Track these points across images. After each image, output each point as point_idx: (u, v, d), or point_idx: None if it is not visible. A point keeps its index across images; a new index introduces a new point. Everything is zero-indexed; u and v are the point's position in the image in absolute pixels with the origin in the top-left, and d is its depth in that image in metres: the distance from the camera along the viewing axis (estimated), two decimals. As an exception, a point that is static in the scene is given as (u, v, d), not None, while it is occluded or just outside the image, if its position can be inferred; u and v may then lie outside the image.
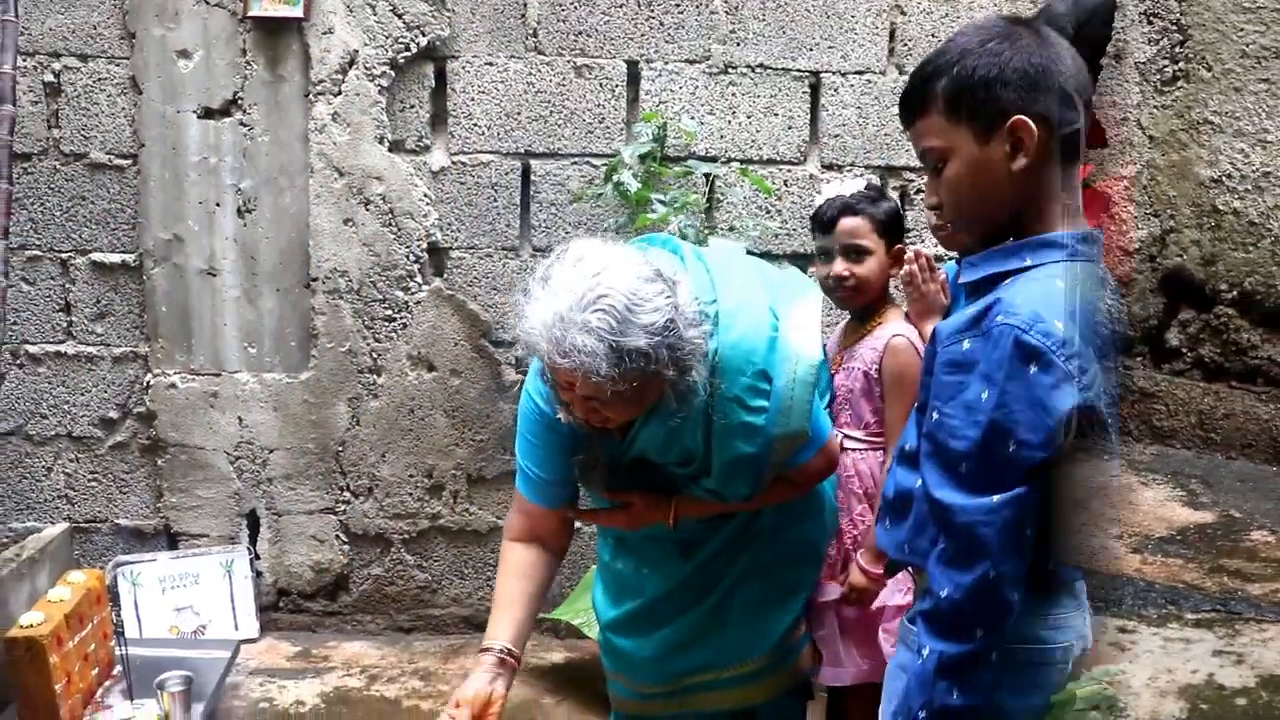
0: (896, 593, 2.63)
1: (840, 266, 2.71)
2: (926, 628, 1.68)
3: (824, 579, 2.74)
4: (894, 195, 3.93)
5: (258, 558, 4.06)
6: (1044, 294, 1.62)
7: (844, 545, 2.73)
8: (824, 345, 2.73)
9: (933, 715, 1.66)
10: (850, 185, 2.77)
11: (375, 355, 3.91)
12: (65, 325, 3.92)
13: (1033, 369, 1.57)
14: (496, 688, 2.30)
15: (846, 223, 2.71)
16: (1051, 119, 1.66)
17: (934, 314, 2.54)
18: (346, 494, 4.02)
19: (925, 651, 1.67)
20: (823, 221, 2.74)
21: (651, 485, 2.50)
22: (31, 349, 3.92)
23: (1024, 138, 1.65)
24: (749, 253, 2.77)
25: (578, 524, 2.68)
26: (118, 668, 3.42)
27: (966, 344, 1.66)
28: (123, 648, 3.37)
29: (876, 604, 2.65)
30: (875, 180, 3.80)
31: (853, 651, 2.74)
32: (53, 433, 3.98)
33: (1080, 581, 1.85)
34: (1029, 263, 1.69)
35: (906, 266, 2.65)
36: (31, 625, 2.99)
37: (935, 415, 1.68)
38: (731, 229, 3.75)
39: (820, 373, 2.37)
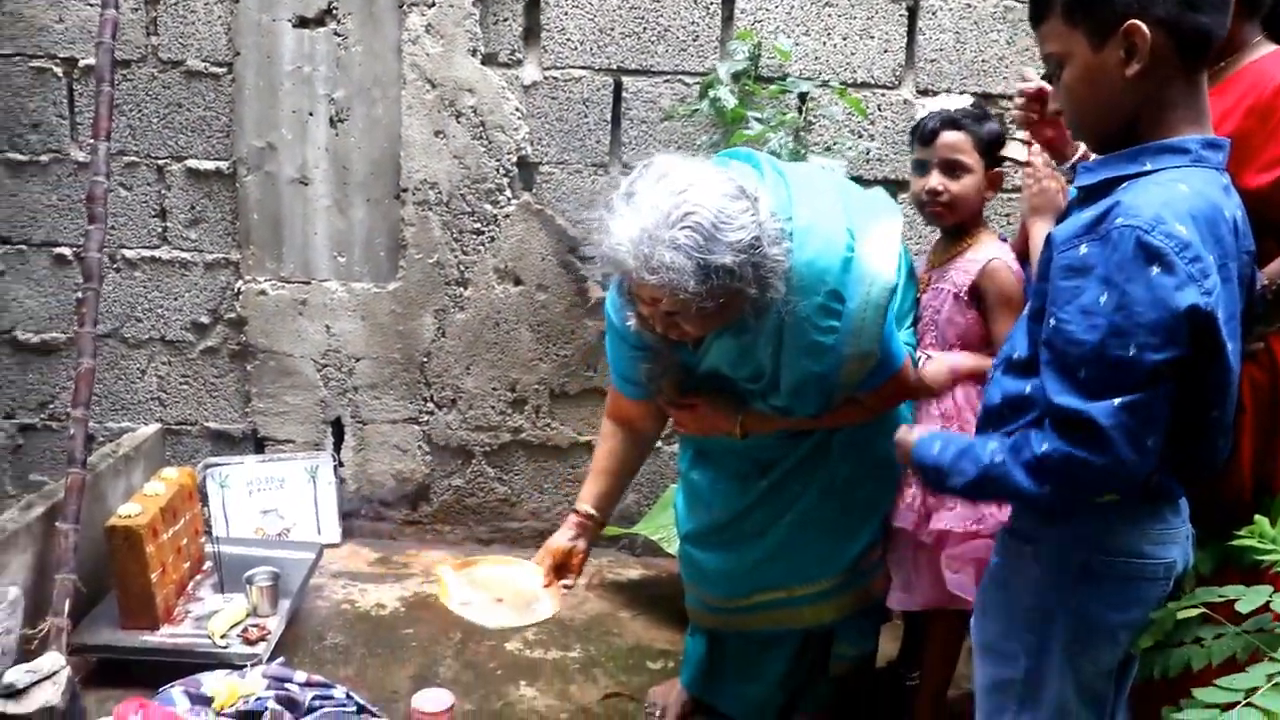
0: (964, 519, 2.60)
1: (935, 180, 2.66)
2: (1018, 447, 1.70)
3: (899, 501, 2.72)
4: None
5: (341, 465, 4.13)
6: (1166, 197, 1.59)
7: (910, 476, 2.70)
8: (911, 268, 2.71)
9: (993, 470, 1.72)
10: (955, 101, 2.72)
11: (463, 268, 3.93)
12: (160, 231, 3.98)
13: (1154, 270, 1.54)
14: (578, 544, 2.62)
15: (947, 136, 2.66)
16: (1171, 23, 1.62)
17: (1048, 212, 2.44)
18: (430, 405, 4.07)
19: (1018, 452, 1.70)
20: (923, 133, 2.69)
21: (721, 395, 2.53)
22: (128, 253, 3.99)
23: (1138, 42, 1.61)
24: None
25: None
26: (207, 564, 3.51)
27: (1084, 248, 1.64)
28: (214, 544, 3.45)
29: (941, 526, 2.62)
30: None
31: (924, 576, 2.72)
32: (147, 336, 4.06)
33: (1184, 499, 1.83)
34: (1149, 167, 1.66)
35: (1030, 156, 2.56)
36: (129, 516, 3.08)
37: (1053, 322, 1.66)
38: (827, 149, 3.70)
39: (894, 296, 2.36)
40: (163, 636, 3.14)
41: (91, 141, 3.33)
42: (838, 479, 2.62)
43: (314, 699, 2.71)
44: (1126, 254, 1.56)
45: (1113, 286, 1.57)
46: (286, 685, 2.74)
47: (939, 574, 2.67)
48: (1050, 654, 1.81)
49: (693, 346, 2.44)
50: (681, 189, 2.09)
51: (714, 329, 2.31)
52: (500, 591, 2.59)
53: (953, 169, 2.66)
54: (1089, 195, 1.74)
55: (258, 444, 4.15)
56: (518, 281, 3.95)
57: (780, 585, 2.75)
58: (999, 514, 2.52)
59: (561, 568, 2.59)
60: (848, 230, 2.28)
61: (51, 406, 4.12)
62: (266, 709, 2.62)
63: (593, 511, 2.65)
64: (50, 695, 2.69)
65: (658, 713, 3.11)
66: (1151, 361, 1.55)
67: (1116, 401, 1.57)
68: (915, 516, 2.67)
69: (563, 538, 2.61)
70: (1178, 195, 1.59)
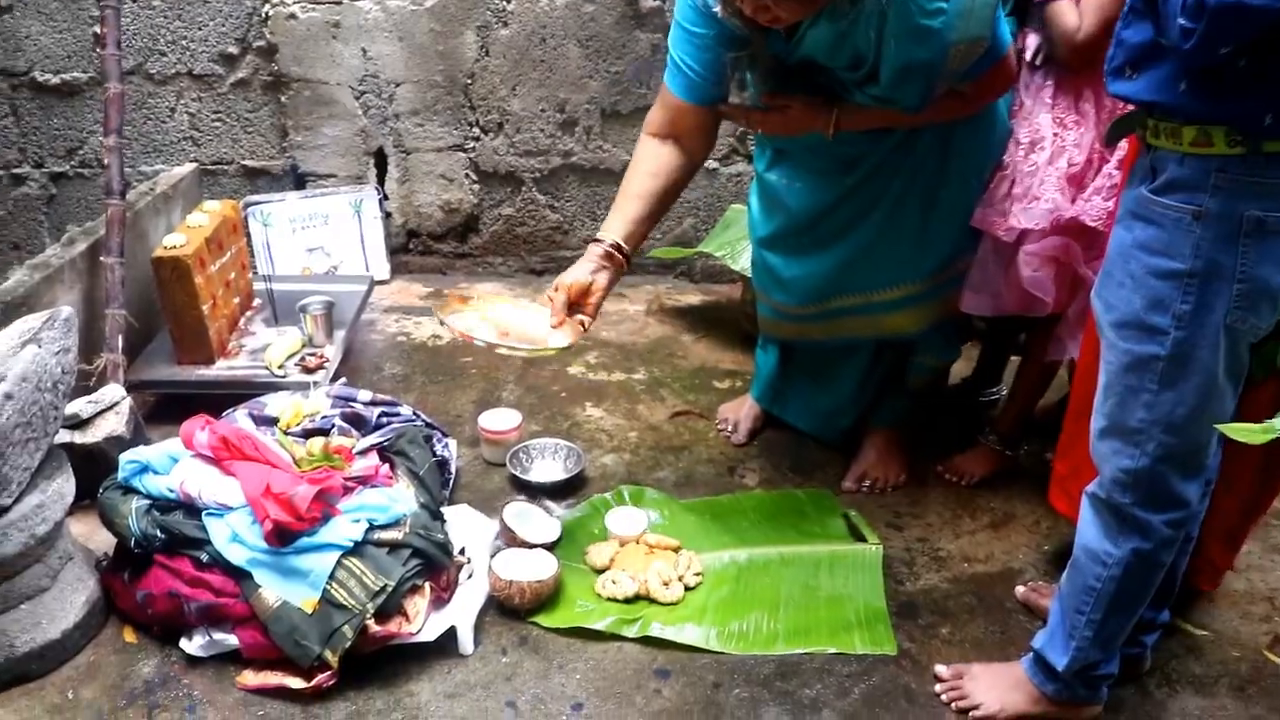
0: (1041, 217, 2.40)
1: None
2: None
3: (985, 199, 2.50)
4: None
5: (386, 198, 3.98)
6: None
7: (1002, 170, 2.47)
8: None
9: None
10: None
11: (504, -22, 3.67)
12: (176, -48, 3.71)
13: None
14: (598, 279, 2.33)
15: None
16: None
17: None
18: (476, 130, 3.89)
19: None
20: None
21: (814, 91, 2.33)
22: (143, -21, 3.73)
23: None
24: None
25: (722, 129, 2.54)
26: (256, 300, 3.41)
27: None
28: (264, 279, 3.34)
29: (1018, 225, 2.41)
30: None
31: (1006, 279, 2.53)
32: (173, 71, 3.85)
33: None
34: None
35: None
36: (175, 246, 2.96)
37: None
38: None
39: None
40: (219, 370, 3.07)
41: None
42: (924, 177, 2.45)
43: (380, 415, 2.62)
44: None
45: None
46: (352, 403, 2.66)
47: (1019, 277, 2.48)
48: (1206, 324, 1.66)
49: (785, 35, 2.22)
50: None
51: (811, 13, 2.09)
52: (507, 329, 2.34)
53: None
54: None
55: (298, 180, 3.99)
56: (564, -9, 3.69)
57: (859, 290, 2.61)
58: (1076, 208, 2.36)
59: (576, 305, 2.31)
60: None
61: (81, 153, 3.95)
62: (333, 425, 2.55)
63: (619, 242, 2.35)
64: (114, 425, 2.65)
65: (729, 428, 3.04)
66: None
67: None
68: (997, 215, 2.47)
69: (581, 271, 2.31)
70: None
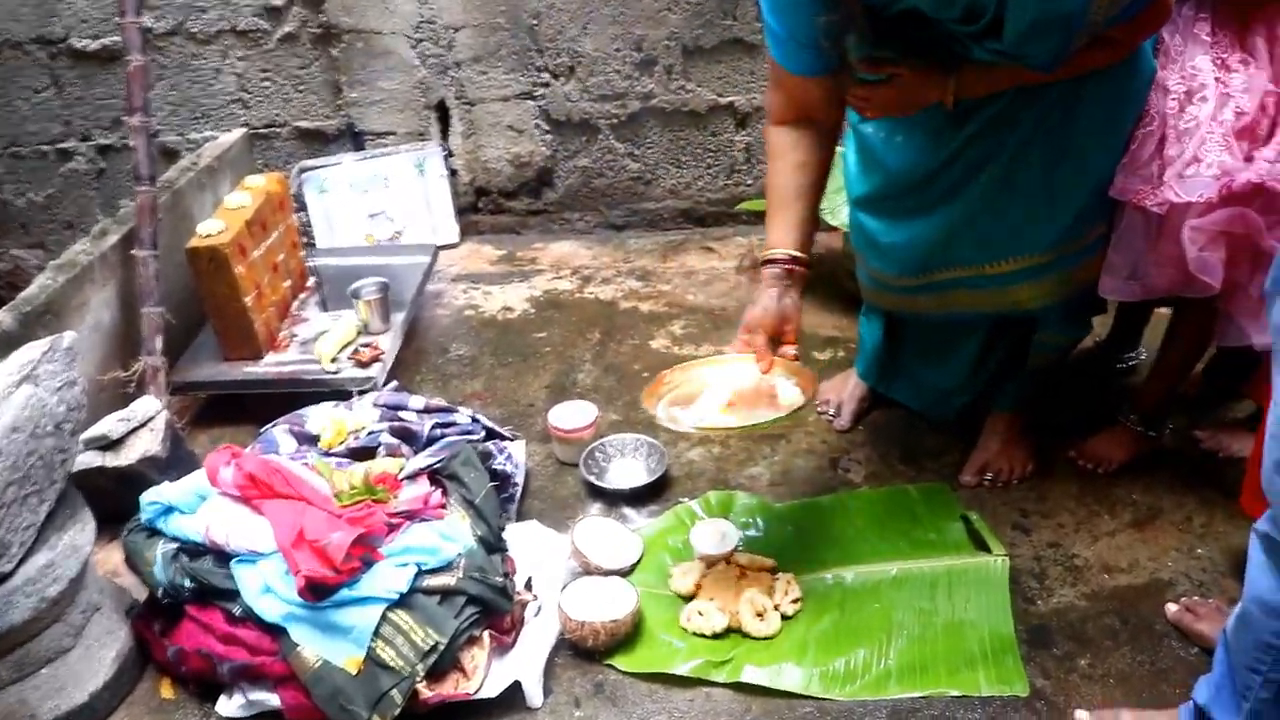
0: (1201, 186, 1.96)
1: None
2: None
3: (1127, 163, 2.06)
4: None
5: (451, 154, 3.72)
6: None
7: (1147, 127, 2.03)
8: None
9: None
10: None
11: (566, -99, 3.32)
12: (205, -102, 3.42)
13: None
14: (787, 303, 2.07)
15: None
16: None
17: None
18: (545, 75, 3.59)
19: None
20: None
21: (923, 49, 1.92)
22: (173, -70, 3.45)
23: None
24: None
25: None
26: (311, 279, 3.14)
27: None
28: (311, 256, 3.07)
29: (1173, 198, 1.98)
30: None
31: (1154, 258, 2.10)
32: (215, 29, 3.57)
33: None
34: None
35: None
36: (211, 234, 2.70)
37: None
38: None
39: None
40: (267, 366, 2.83)
41: None
42: (1047, 130, 2.03)
43: (434, 428, 2.34)
44: None
45: None
46: (401, 414, 2.39)
47: (1173, 254, 2.05)
48: None
49: None
50: None
51: None
52: (728, 395, 2.10)
53: None
54: None
55: (355, 140, 3.72)
56: (635, -90, 3.35)
57: (969, 262, 2.22)
58: (1252, 170, 1.92)
59: (776, 339, 2.06)
60: None
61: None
62: (380, 444, 2.27)
63: (793, 253, 2.08)
64: (149, 444, 2.42)
65: (831, 411, 2.70)
66: None
67: None
68: (1143, 183, 2.03)
69: (767, 301, 2.06)
70: None
